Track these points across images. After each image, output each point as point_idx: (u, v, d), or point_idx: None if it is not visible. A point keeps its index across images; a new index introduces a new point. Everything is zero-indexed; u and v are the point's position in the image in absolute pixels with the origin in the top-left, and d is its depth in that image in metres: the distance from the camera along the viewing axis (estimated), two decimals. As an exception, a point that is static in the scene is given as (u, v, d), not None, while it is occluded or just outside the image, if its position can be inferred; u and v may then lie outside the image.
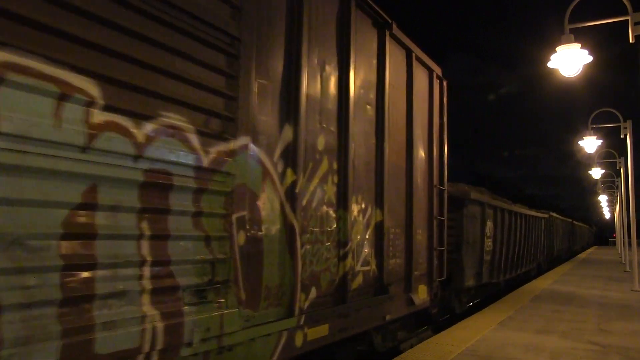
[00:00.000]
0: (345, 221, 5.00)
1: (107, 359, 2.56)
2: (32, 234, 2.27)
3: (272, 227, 3.94)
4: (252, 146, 3.70)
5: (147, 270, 2.83)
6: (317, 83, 4.61)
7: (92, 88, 2.55)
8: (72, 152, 2.44)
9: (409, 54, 6.73)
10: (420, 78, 7.22)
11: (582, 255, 39.01)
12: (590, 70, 9.48)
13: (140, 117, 2.82)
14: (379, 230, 5.74)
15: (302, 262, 4.30)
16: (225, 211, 3.39)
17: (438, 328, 8.80)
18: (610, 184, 36.46)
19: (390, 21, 5.92)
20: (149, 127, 2.87)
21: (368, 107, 5.61)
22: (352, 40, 5.08)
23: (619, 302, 11.95)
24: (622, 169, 21.68)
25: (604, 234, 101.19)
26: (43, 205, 2.33)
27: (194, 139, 3.17)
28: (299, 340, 4.16)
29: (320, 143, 4.63)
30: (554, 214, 26.16)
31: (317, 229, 4.59)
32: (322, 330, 4.50)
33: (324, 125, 4.70)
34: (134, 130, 2.77)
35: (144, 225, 2.82)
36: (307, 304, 4.37)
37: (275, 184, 4.00)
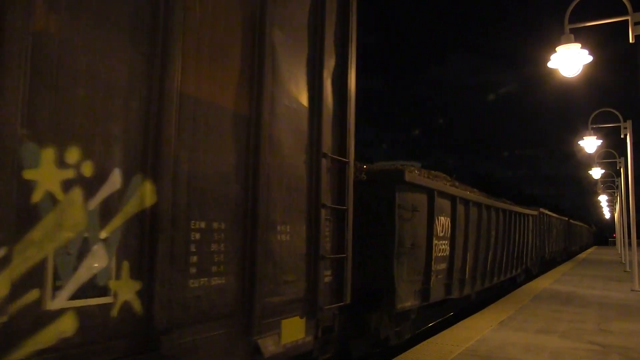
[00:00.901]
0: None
1: None
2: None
3: None
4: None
5: None
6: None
7: None
8: None
9: None
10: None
11: (582, 255, 38.98)
12: (590, 70, 9.47)
13: None
14: (147, 223, 3.02)
15: None
16: None
17: (438, 328, 8.80)
18: (610, 184, 36.44)
19: None
20: None
21: None
22: None
23: (619, 302, 11.95)
24: (622, 169, 21.66)
25: (604, 234, 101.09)
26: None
27: None
28: None
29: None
30: (546, 211, 22.81)
31: None
32: None
33: None
34: None
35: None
36: None
37: None
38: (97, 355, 2.73)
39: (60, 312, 2.57)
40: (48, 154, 2.55)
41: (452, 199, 8.88)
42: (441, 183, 8.58)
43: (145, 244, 3.01)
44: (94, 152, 2.76)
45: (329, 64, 5.00)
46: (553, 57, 8.85)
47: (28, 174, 2.46)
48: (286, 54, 4.36)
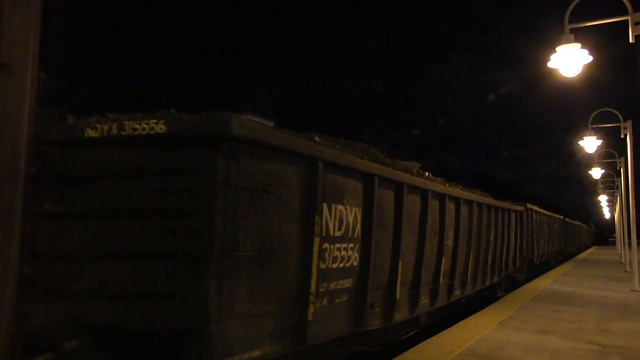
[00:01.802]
0: None
1: None
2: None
3: None
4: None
5: None
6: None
7: None
8: None
9: None
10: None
11: (582, 256, 39.00)
12: (590, 70, 9.48)
13: None
14: None
15: None
16: None
17: (438, 328, 8.79)
18: (610, 184, 36.47)
19: None
20: None
21: None
22: None
23: (619, 302, 11.94)
24: (622, 169, 21.68)
25: (604, 233, 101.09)
26: None
27: None
28: None
29: None
30: (535, 207, 19.29)
31: None
32: None
33: None
34: None
35: None
36: None
37: None
38: None
39: None
40: None
41: (367, 178, 5.58)
42: (337, 152, 5.18)
43: None
44: None
45: None
46: (553, 57, 8.86)
47: None
48: None
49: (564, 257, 30.25)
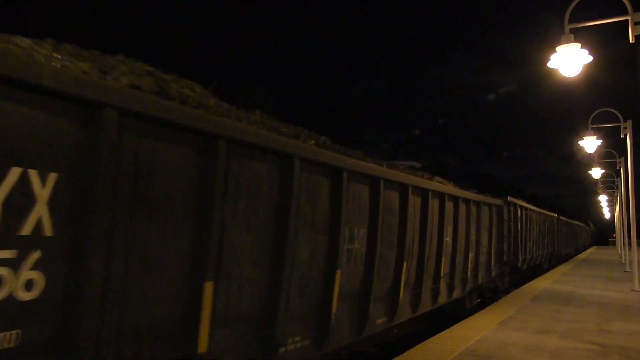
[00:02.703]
0: None
1: None
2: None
3: None
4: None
5: None
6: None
7: None
8: None
9: None
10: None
11: (582, 256, 38.99)
12: (590, 70, 9.48)
13: None
14: None
15: None
16: None
17: (438, 328, 8.79)
18: (610, 184, 36.45)
19: None
20: None
21: None
22: None
23: (618, 302, 11.94)
24: (622, 169, 21.67)
25: (604, 234, 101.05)
26: None
27: None
28: None
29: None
30: (519, 201, 16.21)
31: None
32: None
33: None
34: None
35: None
36: None
37: None
38: None
39: None
40: None
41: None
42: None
43: None
44: None
45: None
46: (553, 57, 8.85)
47: None
48: None
49: (558, 259, 27.40)
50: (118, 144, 2.93)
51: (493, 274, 12.30)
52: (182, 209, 3.44)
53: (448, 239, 8.74)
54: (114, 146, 2.90)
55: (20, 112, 2.52)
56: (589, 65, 8.87)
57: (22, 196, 2.51)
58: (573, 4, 8.86)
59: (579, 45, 8.63)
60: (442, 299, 8.72)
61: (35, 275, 2.58)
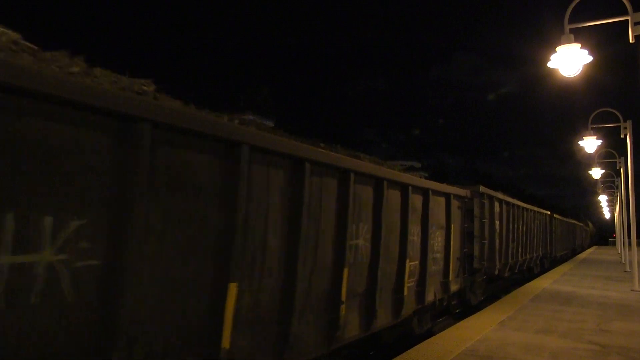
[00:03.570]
0: None
1: None
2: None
3: None
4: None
5: None
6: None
7: None
8: None
9: None
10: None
11: (582, 256, 38.99)
12: (590, 70, 9.47)
13: None
14: None
15: None
16: None
17: (438, 328, 8.79)
18: (610, 184, 36.46)
19: None
20: None
21: None
22: None
23: (619, 302, 11.94)
24: (622, 169, 21.67)
25: (604, 233, 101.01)
26: None
27: None
28: None
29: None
30: (498, 194, 13.19)
31: None
32: None
33: None
34: None
35: None
36: None
37: None
38: None
39: None
40: None
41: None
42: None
43: None
44: None
45: None
46: (553, 57, 8.85)
47: None
48: None
49: (551, 263, 24.91)
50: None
51: (456, 286, 9.41)
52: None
53: (360, 241, 5.75)
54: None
55: None
56: (589, 65, 8.87)
57: None
58: (573, 4, 8.86)
59: (579, 45, 8.63)
60: (347, 333, 5.51)
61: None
